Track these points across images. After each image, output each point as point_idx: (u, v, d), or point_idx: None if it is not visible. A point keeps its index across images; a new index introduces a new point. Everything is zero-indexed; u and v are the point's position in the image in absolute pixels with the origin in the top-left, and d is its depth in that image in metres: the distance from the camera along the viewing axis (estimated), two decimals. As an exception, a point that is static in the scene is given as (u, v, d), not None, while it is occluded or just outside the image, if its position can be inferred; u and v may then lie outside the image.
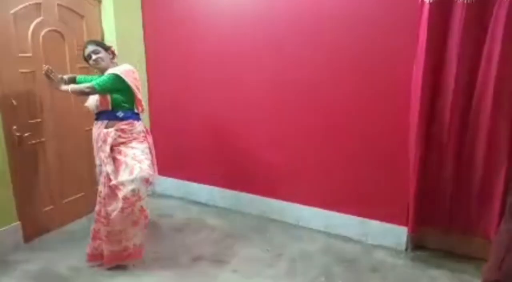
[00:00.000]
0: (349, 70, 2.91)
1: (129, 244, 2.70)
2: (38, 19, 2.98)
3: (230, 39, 3.32)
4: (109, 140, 2.64)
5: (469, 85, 2.49)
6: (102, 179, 2.70)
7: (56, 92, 3.15)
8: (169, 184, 4.00)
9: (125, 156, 2.64)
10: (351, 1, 2.79)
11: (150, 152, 2.81)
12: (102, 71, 2.74)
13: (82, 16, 3.32)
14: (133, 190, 2.55)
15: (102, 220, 2.69)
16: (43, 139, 3.12)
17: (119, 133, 2.67)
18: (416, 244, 2.99)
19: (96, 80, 2.64)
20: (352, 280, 2.64)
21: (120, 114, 2.71)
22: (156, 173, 2.90)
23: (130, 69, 2.73)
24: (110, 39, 3.49)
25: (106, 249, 2.70)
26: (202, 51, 3.49)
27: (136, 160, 2.62)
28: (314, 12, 2.94)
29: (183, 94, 3.69)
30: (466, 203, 2.64)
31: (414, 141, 2.63)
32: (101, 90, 2.60)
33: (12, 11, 2.80)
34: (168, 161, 3.96)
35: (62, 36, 3.17)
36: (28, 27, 2.93)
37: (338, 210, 3.18)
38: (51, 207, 3.26)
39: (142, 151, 2.70)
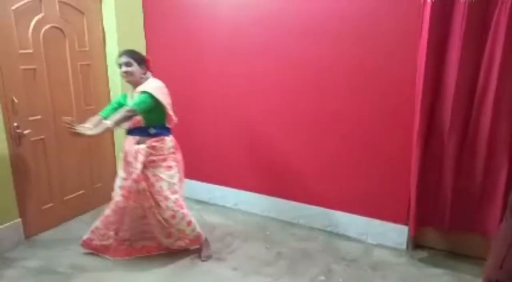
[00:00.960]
0: (351, 72, 2.90)
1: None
2: (39, 16, 2.98)
3: (235, 34, 3.31)
4: (141, 158, 2.62)
5: (470, 85, 2.49)
6: (121, 191, 2.72)
7: (57, 90, 3.17)
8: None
9: (152, 186, 2.67)
10: (353, 1, 2.78)
11: (178, 170, 2.83)
12: (132, 83, 2.68)
13: (83, 13, 3.31)
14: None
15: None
16: (43, 136, 3.12)
17: (150, 151, 2.65)
18: (417, 243, 2.98)
19: (134, 102, 2.58)
20: (352, 279, 2.64)
21: (152, 131, 2.67)
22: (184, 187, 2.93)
23: (159, 85, 2.68)
24: (111, 36, 3.48)
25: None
26: (206, 47, 3.48)
27: (162, 196, 2.67)
28: (318, 12, 2.93)
29: (186, 92, 3.68)
30: (467, 202, 2.64)
31: (415, 141, 2.62)
32: (141, 112, 2.58)
33: (13, 8, 2.80)
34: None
35: (63, 33, 3.17)
36: (29, 24, 2.92)
37: (339, 209, 3.18)
38: (52, 204, 3.26)
39: (169, 183, 2.70)
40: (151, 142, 2.66)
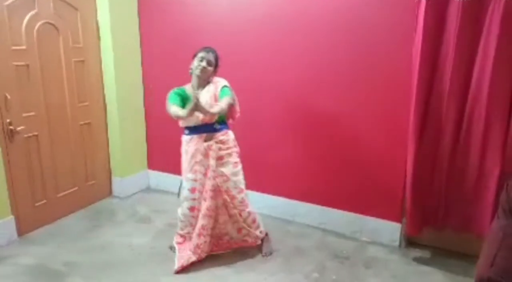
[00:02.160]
0: (345, 70, 2.91)
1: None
2: (33, 12, 2.95)
3: (229, 32, 3.30)
4: (212, 154, 2.61)
5: (464, 84, 2.49)
6: (190, 194, 2.71)
7: (50, 86, 3.15)
8: (164, 179, 3.99)
9: (222, 184, 2.67)
10: (348, -2, 2.79)
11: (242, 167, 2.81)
12: (198, 80, 2.65)
13: (76, 9, 3.29)
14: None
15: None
16: (37, 133, 3.10)
17: (219, 145, 2.64)
18: (410, 241, 3.01)
19: (228, 95, 2.59)
20: (345, 276, 2.65)
21: (217, 126, 2.67)
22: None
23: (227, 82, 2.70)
24: (105, 32, 3.46)
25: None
26: (200, 43, 3.45)
27: (229, 195, 2.70)
28: (312, 11, 2.93)
29: (179, 89, 3.67)
30: (460, 201, 2.65)
31: (409, 139, 2.64)
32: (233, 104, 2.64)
33: (6, 3, 2.77)
34: (163, 156, 3.95)
35: (56, 29, 3.14)
36: (22, 20, 2.90)
37: (333, 206, 3.19)
38: (45, 201, 3.25)
39: (235, 182, 2.71)
40: (218, 136, 2.65)
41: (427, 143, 2.66)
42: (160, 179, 4.02)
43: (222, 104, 2.53)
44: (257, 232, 2.84)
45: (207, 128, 2.64)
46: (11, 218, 2.99)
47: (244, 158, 3.48)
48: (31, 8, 2.94)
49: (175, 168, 3.90)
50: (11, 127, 2.89)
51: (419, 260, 2.83)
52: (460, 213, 2.66)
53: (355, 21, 2.80)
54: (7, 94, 2.84)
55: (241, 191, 2.74)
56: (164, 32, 3.62)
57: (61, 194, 3.37)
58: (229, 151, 2.69)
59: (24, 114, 2.99)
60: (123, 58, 3.59)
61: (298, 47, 3.04)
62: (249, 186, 3.52)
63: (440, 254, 2.88)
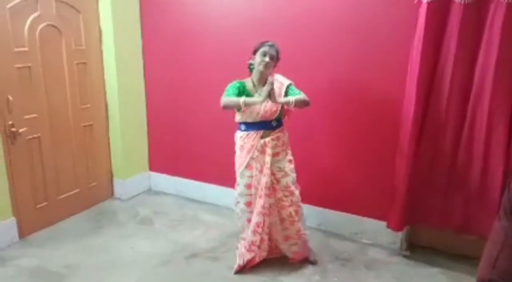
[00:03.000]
0: (343, 72, 2.92)
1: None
2: (35, 14, 2.96)
3: (231, 32, 3.31)
4: (269, 150, 2.57)
5: (465, 84, 2.50)
6: (246, 190, 2.68)
7: (52, 88, 3.15)
8: (165, 181, 4.00)
9: (278, 181, 2.63)
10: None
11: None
12: (258, 75, 2.58)
13: (79, 11, 3.30)
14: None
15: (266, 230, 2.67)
16: (39, 135, 3.11)
17: (275, 142, 2.60)
18: (411, 243, 3.01)
19: (299, 92, 2.56)
20: (347, 278, 2.65)
21: (274, 123, 2.63)
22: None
23: None
24: (107, 34, 3.47)
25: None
26: (202, 46, 3.48)
27: (288, 191, 2.65)
28: (313, 12, 2.94)
29: (182, 90, 3.68)
30: (461, 201, 2.65)
31: (408, 140, 2.64)
32: None
33: (8, 6, 2.78)
34: (164, 158, 3.96)
35: (59, 31, 3.16)
36: (25, 22, 2.91)
37: (333, 208, 3.19)
38: (46, 203, 3.25)
39: (293, 178, 2.68)
40: (275, 133, 2.62)
41: (427, 143, 2.66)
42: (161, 180, 4.03)
43: (300, 96, 2.49)
44: (305, 236, 2.75)
45: (265, 125, 2.60)
46: (12, 220, 2.99)
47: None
48: (33, 10, 2.95)
49: (176, 170, 3.93)
50: (13, 129, 2.89)
51: (420, 262, 2.83)
52: (461, 214, 2.66)
53: (356, 22, 2.81)
54: (9, 96, 2.85)
55: (297, 187, 2.71)
56: (166, 34, 3.63)
57: (62, 196, 3.37)
58: (284, 148, 2.66)
59: (26, 116, 3.00)
60: (125, 60, 3.60)
61: (300, 46, 3.05)
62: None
63: (442, 256, 2.88)
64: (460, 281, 2.61)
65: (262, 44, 2.56)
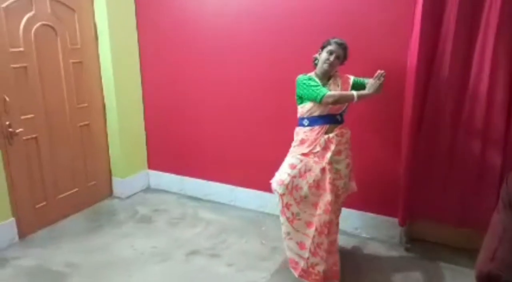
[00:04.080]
0: (345, 67, 2.91)
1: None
2: (30, 13, 2.95)
3: (227, 32, 3.30)
4: (332, 147, 2.41)
5: (463, 74, 2.50)
6: (290, 170, 2.47)
7: (49, 88, 3.15)
8: (164, 179, 4.00)
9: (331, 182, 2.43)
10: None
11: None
12: (322, 73, 2.46)
13: (74, 11, 3.28)
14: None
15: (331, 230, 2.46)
16: (36, 135, 3.10)
17: (339, 138, 2.44)
18: (411, 237, 3.01)
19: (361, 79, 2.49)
20: (347, 272, 2.66)
21: (339, 117, 2.50)
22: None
23: None
24: (103, 33, 3.46)
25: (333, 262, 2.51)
26: (198, 43, 3.47)
27: (334, 195, 2.45)
28: (309, 7, 2.94)
29: (179, 88, 3.67)
30: (460, 195, 2.66)
31: (407, 134, 2.64)
32: None
33: (3, 5, 2.77)
34: (162, 156, 3.96)
35: (54, 30, 3.14)
36: (20, 22, 2.89)
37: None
38: (45, 202, 3.25)
39: (345, 183, 2.52)
40: (339, 128, 2.47)
41: (426, 137, 2.66)
42: (160, 178, 4.03)
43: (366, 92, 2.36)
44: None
45: (331, 119, 2.45)
46: (11, 220, 2.99)
47: (241, 155, 3.50)
48: (28, 10, 2.94)
49: (175, 168, 3.93)
50: (10, 129, 2.89)
51: (420, 256, 2.84)
52: (460, 208, 2.67)
53: (352, 15, 2.81)
54: (5, 97, 2.84)
55: (346, 195, 2.57)
56: (162, 32, 3.62)
57: (61, 196, 3.37)
58: (346, 146, 2.50)
59: (23, 117, 2.99)
60: (121, 58, 3.59)
61: (298, 41, 3.04)
62: (246, 184, 3.55)
63: (441, 249, 2.88)
64: (460, 274, 2.62)
65: (330, 41, 2.44)
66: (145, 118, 3.95)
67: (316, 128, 2.46)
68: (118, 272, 2.68)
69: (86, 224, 3.33)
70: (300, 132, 2.53)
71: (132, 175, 3.89)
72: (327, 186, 2.41)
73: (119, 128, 3.68)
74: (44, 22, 3.05)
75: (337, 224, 2.60)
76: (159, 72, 3.76)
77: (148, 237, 3.13)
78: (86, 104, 3.48)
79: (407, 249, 2.91)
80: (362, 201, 3.06)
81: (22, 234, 3.08)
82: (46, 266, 2.74)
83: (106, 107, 3.65)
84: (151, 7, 3.61)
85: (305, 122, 2.50)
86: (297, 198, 2.46)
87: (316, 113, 2.44)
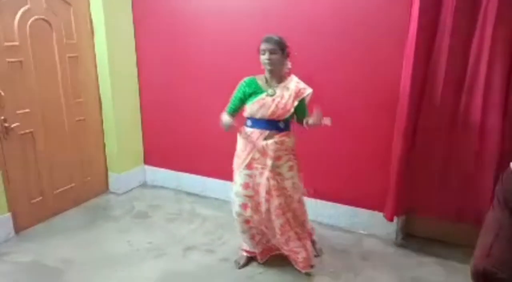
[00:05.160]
0: (336, 63, 2.93)
1: None
2: (25, 8, 2.92)
3: (226, 23, 3.28)
4: (270, 153, 2.43)
5: (460, 70, 2.49)
6: (243, 190, 2.53)
7: (44, 83, 3.13)
8: (161, 175, 3.99)
9: (277, 184, 2.49)
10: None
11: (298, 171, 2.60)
12: (272, 72, 2.44)
13: (70, 4, 3.26)
14: None
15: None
16: (32, 130, 3.08)
17: (278, 145, 2.44)
18: (406, 233, 3.03)
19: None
20: (342, 268, 2.67)
21: (282, 124, 2.47)
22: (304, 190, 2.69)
23: None
24: (99, 27, 3.43)
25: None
26: (195, 40, 3.45)
27: (285, 195, 2.52)
28: (308, 10, 2.93)
29: (175, 85, 3.66)
30: (456, 191, 2.66)
31: (403, 131, 2.64)
32: None
33: (-3, -1, 2.75)
34: (159, 151, 3.95)
35: (49, 24, 3.11)
36: (15, 16, 2.87)
37: (329, 200, 3.20)
38: (41, 197, 3.24)
39: (293, 183, 2.53)
40: (279, 136, 2.46)
41: (422, 133, 2.66)
42: (156, 174, 4.02)
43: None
44: (307, 229, 2.68)
45: (272, 125, 2.45)
46: (7, 215, 2.98)
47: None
48: (23, 4, 2.91)
49: (171, 163, 3.92)
50: (5, 124, 2.87)
51: (416, 252, 2.85)
52: (456, 203, 2.67)
53: (345, 12, 2.80)
54: (1, 91, 2.82)
55: (298, 192, 2.58)
56: (158, 25, 3.60)
57: (57, 191, 3.36)
58: (287, 152, 2.49)
59: (19, 111, 2.97)
60: (117, 53, 3.57)
61: (300, 40, 3.03)
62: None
63: (437, 245, 2.90)
64: (455, 270, 2.63)
65: (261, 42, 2.41)
66: (142, 113, 3.93)
67: (256, 132, 2.47)
68: (114, 267, 2.68)
69: (82, 219, 3.33)
70: (243, 133, 2.54)
71: (128, 170, 3.88)
72: (273, 193, 2.47)
73: (115, 123, 3.66)
74: (39, 16, 3.02)
75: (303, 222, 2.63)
76: (156, 67, 3.74)
77: (144, 232, 3.12)
78: (82, 99, 3.47)
79: (400, 245, 2.93)
80: (358, 197, 3.07)
81: (18, 229, 3.07)
82: (42, 261, 2.73)
83: (102, 102, 3.64)
84: (147, 0, 3.58)
85: (248, 122, 2.52)
86: (259, 211, 2.55)
87: (258, 116, 2.44)
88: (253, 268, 2.68)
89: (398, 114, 2.66)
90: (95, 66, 3.55)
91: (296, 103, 2.43)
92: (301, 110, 2.48)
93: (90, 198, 3.68)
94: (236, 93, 2.53)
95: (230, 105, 2.54)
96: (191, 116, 3.67)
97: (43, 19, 3.06)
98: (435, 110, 2.59)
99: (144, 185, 4.05)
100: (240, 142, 2.56)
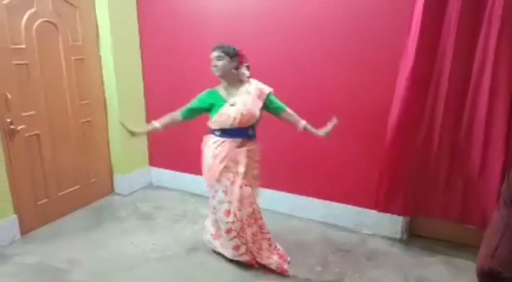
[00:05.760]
0: (337, 63, 2.94)
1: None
2: (31, 10, 2.95)
3: (229, 24, 3.30)
4: (243, 160, 2.50)
5: (465, 71, 2.49)
6: (226, 197, 2.55)
7: (50, 85, 3.15)
8: (166, 176, 4.00)
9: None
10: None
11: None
12: (226, 79, 2.52)
13: (75, 7, 3.28)
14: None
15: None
16: (37, 132, 3.10)
17: (248, 153, 2.52)
18: (411, 233, 3.02)
19: (278, 102, 2.56)
20: (348, 269, 2.67)
21: (251, 131, 2.55)
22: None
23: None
24: (104, 29, 3.46)
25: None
26: (200, 42, 3.47)
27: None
28: (309, 8, 2.94)
29: (180, 86, 3.66)
30: (461, 192, 2.65)
31: (405, 131, 2.64)
32: None
33: (4, 2, 2.77)
34: (164, 153, 3.96)
35: (56, 27, 3.14)
36: (21, 19, 2.89)
37: (334, 200, 3.20)
38: (47, 199, 3.25)
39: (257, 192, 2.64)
40: (250, 144, 2.55)
41: (427, 135, 2.66)
42: (161, 175, 4.03)
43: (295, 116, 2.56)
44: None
45: (242, 133, 2.51)
46: (13, 217, 3.00)
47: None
48: (29, 7, 2.94)
49: (176, 165, 3.93)
50: (12, 126, 2.89)
51: (420, 252, 2.85)
52: (461, 205, 2.67)
53: (350, 12, 2.81)
54: (7, 94, 2.84)
55: (252, 202, 2.61)
56: (164, 28, 3.62)
57: (63, 192, 3.38)
58: (255, 159, 2.59)
59: (25, 114, 2.99)
60: (122, 55, 3.59)
61: (299, 38, 3.04)
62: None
63: (442, 245, 2.89)
64: (460, 270, 2.63)
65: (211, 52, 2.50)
66: (147, 115, 3.95)
67: (228, 141, 2.50)
68: (119, 268, 2.69)
69: (88, 221, 3.34)
70: (211, 143, 2.57)
71: (133, 172, 3.90)
72: (245, 201, 2.53)
73: (121, 125, 3.67)
74: (45, 19, 3.05)
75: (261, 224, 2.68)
76: (161, 68, 3.76)
77: (149, 233, 3.13)
78: (87, 101, 3.49)
79: (406, 245, 2.93)
80: (364, 197, 3.06)
81: (24, 231, 3.09)
82: (48, 263, 2.75)
83: (108, 104, 3.66)
84: (152, 3, 3.61)
85: (217, 133, 2.55)
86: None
87: (227, 126, 2.48)
88: (258, 269, 2.68)
89: (400, 115, 2.65)
90: (101, 68, 3.57)
91: (261, 104, 2.49)
92: (273, 106, 2.53)
93: (95, 199, 3.69)
94: (195, 101, 2.59)
95: (185, 109, 2.59)
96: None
97: (49, 21, 3.08)
98: (440, 110, 2.58)
99: (149, 186, 4.06)
100: (211, 151, 2.56)
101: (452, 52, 2.46)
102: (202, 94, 2.61)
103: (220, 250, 2.74)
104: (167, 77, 3.75)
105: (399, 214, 2.85)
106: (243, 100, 2.47)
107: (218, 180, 2.54)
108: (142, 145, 3.99)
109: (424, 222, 2.96)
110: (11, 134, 2.90)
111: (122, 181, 3.83)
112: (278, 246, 2.74)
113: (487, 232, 1.81)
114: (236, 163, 2.51)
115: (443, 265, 2.70)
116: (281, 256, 2.67)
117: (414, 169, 2.72)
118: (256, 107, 2.48)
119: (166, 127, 2.63)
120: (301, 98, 3.13)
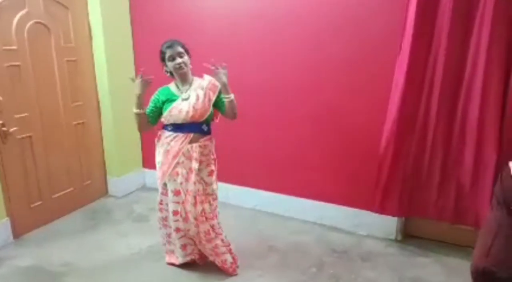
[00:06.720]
0: (334, 64, 2.93)
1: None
2: (23, 11, 2.92)
3: (223, 25, 3.29)
4: (195, 155, 2.43)
5: (457, 72, 2.49)
6: (174, 197, 2.50)
7: (43, 87, 3.12)
8: (159, 177, 3.98)
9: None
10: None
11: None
12: (183, 76, 2.48)
13: (67, 8, 3.26)
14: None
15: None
16: (30, 134, 3.08)
17: (202, 149, 2.46)
18: (407, 233, 3.03)
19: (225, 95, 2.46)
20: (343, 270, 2.67)
21: (205, 127, 2.49)
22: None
23: None
24: (97, 31, 3.44)
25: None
26: (194, 43, 3.43)
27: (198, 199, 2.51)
28: (310, 4, 2.94)
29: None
30: (455, 193, 2.66)
31: (400, 133, 2.64)
32: None
33: (-5, 4, 2.75)
34: (158, 154, 3.94)
35: (47, 28, 3.12)
36: (12, 20, 2.87)
37: (329, 201, 3.20)
38: (40, 202, 3.23)
39: (213, 190, 2.57)
40: (203, 140, 2.48)
41: (419, 134, 2.66)
42: (155, 177, 3.99)
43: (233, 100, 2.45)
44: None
45: (195, 128, 2.46)
46: (6, 220, 2.97)
47: (241, 154, 3.49)
48: (21, 8, 2.91)
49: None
50: (4, 129, 2.86)
51: (416, 252, 2.85)
52: (455, 205, 2.67)
53: (344, 11, 2.81)
54: (-1, 96, 2.82)
55: (215, 199, 2.59)
56: (156, 29, 3.60)
57: (56, 195, 3.36)
58: (208, 157, 2.51)
59: (17, 116, 2.96)
60: (115, 56, 3.57)
61: (295, 40, 3.04)
62: (247, 183, 3.54)
63: (437, 246, 2.90)
64: (455, 270, 2.63)
65: (163, 51, 2.46)
66: (140, 117, 3.92)
67: (180, 136, 2.46)
68: (114, 271, 2.68)
69: (82, 223, 3.32)
70: (163, 138, 2.53)
71: (127, 174, 3.88)
72: (198, 198, 2.48)
73: (114, 126, 3.66)
74: (37, 20, 3.03)
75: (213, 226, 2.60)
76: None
77: (144, 235, 3.12)
78: (80, 103, 3.47)
79: (400, 245, 2.93)
80: (359, 198, 3.06)
81: (17, 233, 3.06)
82: (42, 266, 2.73)
83: (101, 105, 3.63)
84: (145, 4, 3.59)
85: (169, 127, 2.51)
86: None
87: (179, 121, 2.43)
88: (253, 271, 2.67)
89: (395, 116, 2.66)
90: (94, 70, 3.55)
91: (214, 98, 2.46)
92: (223, 103, 2.48)
93: (90, 201, 3.67)
94: (150, 104, 2.55)
95: (149, 108, 2.54)
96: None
97: (41, 23, 3.06)
98: (433, 112, 2.59)
99: (143, 188, 4.04)
100: (161, 150, 2.53)
101: (445, 53, 2.46)
102: (154, 95, 2.57)
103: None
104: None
105: (394, 215, 2.85)
106: (196, 95, 2.44)
107: (171, 177, 2.49)
108: (136, 146, 3.97)
109: (419, 223, 2.97)
110: (3, 136, 2.87)
111: (116, 183, 3.81)
112: (233, 250, 2.69)
113: (481, 232, 1.83)
114: (190, 158, 2.45)
115: (437, 265, 2.71)
116: (233, 258, 2.66)
117: (409, 170, 2.72)
118: (209, 101, 2.45)
119: (145, 120, 2.57)
120: (299, 98, 3.14)
